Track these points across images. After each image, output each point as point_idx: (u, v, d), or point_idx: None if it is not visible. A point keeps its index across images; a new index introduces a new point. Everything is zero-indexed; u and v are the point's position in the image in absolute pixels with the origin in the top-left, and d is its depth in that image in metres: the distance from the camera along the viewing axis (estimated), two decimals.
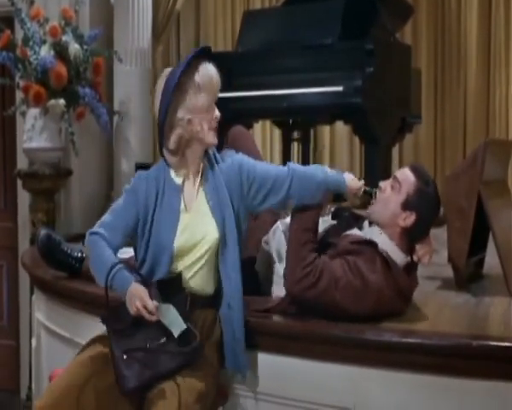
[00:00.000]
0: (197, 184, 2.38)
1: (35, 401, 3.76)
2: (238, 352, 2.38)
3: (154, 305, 2.15)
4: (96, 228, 2.35)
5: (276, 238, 2.73)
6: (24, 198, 4.82)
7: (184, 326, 2.18)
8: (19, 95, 4.48)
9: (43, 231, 3.12)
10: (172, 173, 2.38)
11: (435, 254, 2.77)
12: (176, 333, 2.17)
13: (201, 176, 2.38)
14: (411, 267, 2.57)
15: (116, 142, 4.96)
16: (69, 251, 3.09)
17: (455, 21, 6.66)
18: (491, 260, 3.38)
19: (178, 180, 2.38)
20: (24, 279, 4.68)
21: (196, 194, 2.37)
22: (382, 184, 2.58)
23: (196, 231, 2.33)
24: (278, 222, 2.78)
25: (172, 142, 2.32)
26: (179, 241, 2.31)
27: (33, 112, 4.29)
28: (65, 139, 4.46)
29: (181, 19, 6.11)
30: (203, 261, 2.35)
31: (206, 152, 2.41)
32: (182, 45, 6.22)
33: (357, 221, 2.68)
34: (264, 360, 2.49)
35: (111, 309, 2.26)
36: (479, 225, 3.12)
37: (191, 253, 2.34)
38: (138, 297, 2.16)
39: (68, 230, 4.71)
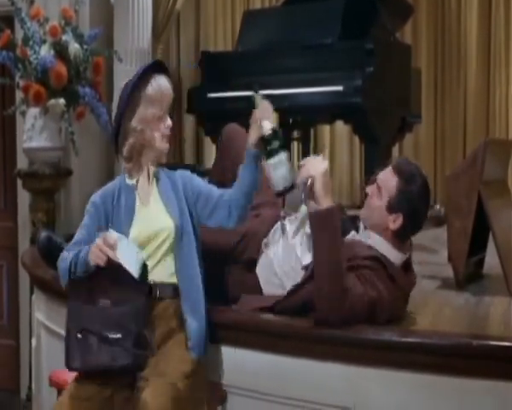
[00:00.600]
0: (151, 181, 2.49)
1: (35, 401, 3.76)
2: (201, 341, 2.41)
3: (114, 238, 2.26)
4: (66, 248, 2.49)
5: (276, 240, 2.73)
6: (24, 198, 4.81)
7: (139, 264, 2.27)
8: (19, 94, 4.47)
9: (43, 234, 3.15)
10: (127, 178, 2.51)
11: (435, 254, 2.77)
12: (132, 271, 2.25)
13: (154, 176, 2.50)
14: (409, 264, 2.56)
15: None
16: None
17: (455, 21, 6.67)
18: (491, 260, 3.38)
19: (132, 181, 2.50)
20: (24, 279, 4.68)
21: (150, 190, 2.48)
22: (368, 189, 2.56)
23: (152, 221, 2.42)
24: (278, 223, 2.78)
25: (126, 150, 2.47)
26: (134, 231, 2.40)
27: (33, 111, 4.28)
28: (65, 139, 4.45)
29: (181, 19, 6.10)
30: (163, 251, 2.41)
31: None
32: (182, 45, 6.21)
33: (354, 222, 2.67)
34: (264, 359, 2.49)
35: (73, 283, 2.35)
36: (479, 225, 3.12)
37: (150, 243, 2.40)
38: (99, 239, 2.27)
39: (68, 230, 4.70)
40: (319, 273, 2.31)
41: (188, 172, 2.57)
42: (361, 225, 2.62)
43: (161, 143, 2.47)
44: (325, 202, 2.30)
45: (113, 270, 2.25)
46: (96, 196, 2.51)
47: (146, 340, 2.29)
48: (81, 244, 2.40)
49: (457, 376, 2.21)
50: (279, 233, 2.75)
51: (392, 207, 2.46)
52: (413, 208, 2.47)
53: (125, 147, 2.46)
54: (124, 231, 2.38)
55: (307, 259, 2.55)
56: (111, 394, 2.31)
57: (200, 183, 2.54)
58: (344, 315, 2.31)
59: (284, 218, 2.79)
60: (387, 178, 2.49)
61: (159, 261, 2.40)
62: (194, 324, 2.38)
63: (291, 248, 2.65)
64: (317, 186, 2.31)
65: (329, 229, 2.32)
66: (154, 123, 2.44)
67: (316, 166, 2.34)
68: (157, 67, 2.49)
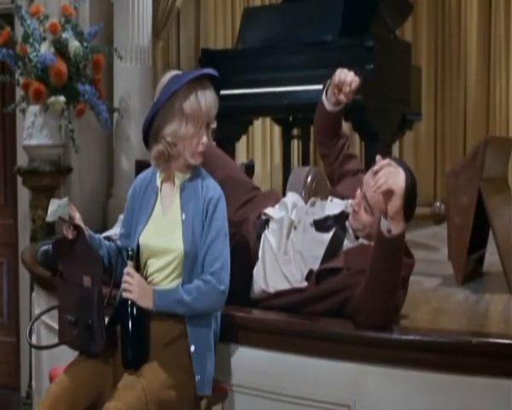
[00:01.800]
0: (175, 190, 2.37)
1: (35, 398, 3.77)
2: (204, 370, 2.31)
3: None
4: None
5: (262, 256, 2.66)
6: (24, 195, 4.81)
7: (53, 219, 2.30)
8: (19, 92, 4.48)
9: (40, 249, 3.20)
10: (158, 174, 2.42)
11: (435, 252, 2.77)
12: (47, 219, 2.31)
13: (181, 185, 2.37)
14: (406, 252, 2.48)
15: (116, 139, 4.96)
16: None
17: (455, 18, 6.67)
18: (491, 258, 3.38)
19: (158, 182, 2.40)
20: (24, 276, 4.68)
21: (173, 200, 2.37)
22: (354, 204, 2.46)
23: (165, 237, 2.32)
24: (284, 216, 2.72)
25: (154, 153, 2.34)
26: (147, 238, 2.33)
27: (33, 109, 4.29)
28: (65, 136, 4.45)
29: (181, 16, 6.10)
30: (171, 268, 2.32)
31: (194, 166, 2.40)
32: (182, 42, 6.20)
33: (340, 222, 2.56)
34: (264, 357, 2.49)
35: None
36: (479, 222, 3.12)
37: (161, 257, 2.32)
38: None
39: None
40: (377, 293, 2.26)
41: (220, 204, 2.34)
42: (349, 227, 2.55)
43: (192, 159, 2.33)
44: (399, 224, 2.14)
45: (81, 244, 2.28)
46: (133, 185, 2.47)
47: (95, 329, 2.24)
48: (122, 238, 2.43)
49: (457, 373, 2.22)
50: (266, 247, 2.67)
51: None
52: (407, 212, 2.44)
53: (153, 150, 2.33)
54: (137, 229, 2.35)
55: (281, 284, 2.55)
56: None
57: (213, 230, 2.31)
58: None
59: (266, 223, 2.72)
60: (378, 199, 2.25)
61: (169, 275, 2.32)
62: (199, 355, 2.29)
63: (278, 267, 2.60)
64: (395, 203, 2.11)
65: (399, 255, 2.22)
66: (186, 140, 2.29)
67: (397, 178, 2.13)
68: (206, 78, 2.32)
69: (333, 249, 2.52)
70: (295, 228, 2.63)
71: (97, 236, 2.42)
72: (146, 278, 2.32)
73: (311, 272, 2.50)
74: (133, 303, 2.22)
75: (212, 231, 2.31)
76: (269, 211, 2.76)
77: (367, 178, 2.39)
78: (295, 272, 2.55)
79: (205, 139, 2.33)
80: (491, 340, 2.25)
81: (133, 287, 2.22)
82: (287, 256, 2.59)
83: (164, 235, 2.32)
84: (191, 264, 2.30)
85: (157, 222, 2.35)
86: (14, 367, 5.21)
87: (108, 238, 2.55)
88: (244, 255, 2.65)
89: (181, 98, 2.26)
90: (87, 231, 2.32)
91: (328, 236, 2.54)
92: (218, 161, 2.95)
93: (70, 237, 2.30)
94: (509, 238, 3.19)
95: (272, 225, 2.70)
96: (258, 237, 2.69)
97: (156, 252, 2.32)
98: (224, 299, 2.32)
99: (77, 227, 2.29)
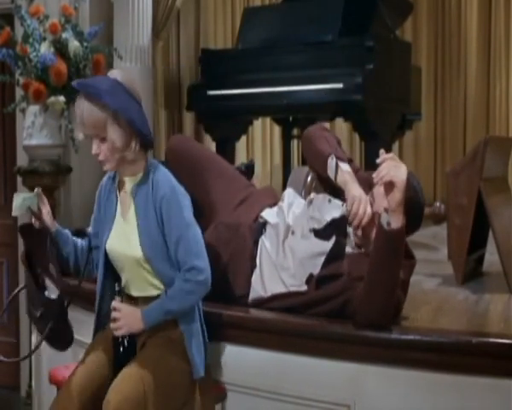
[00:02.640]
0: (128, 196, 2.36)
1: (35, 398, 3.76)
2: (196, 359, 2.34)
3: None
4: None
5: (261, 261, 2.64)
6: None
7: (20, 212, 2.37)
8: (19, 92, 4.47)
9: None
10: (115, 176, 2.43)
11: (435, 252, 2.77)
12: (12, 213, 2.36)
13: (132, 191, 2.34)
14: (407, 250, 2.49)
15: None
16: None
17: (455, 18, 6.67)
18: (491, 257, 3.38)
19: (115, 184, 2.41)
20: (24, 276, 4.67)
21: (129, 204, 2.36)
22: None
23: (124, 242, 2.33)
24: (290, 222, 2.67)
25: None
26: (110, 244, 2.36)
27: (33, 109, 4.28)
28: (65, 136, 4.45)
29: (181, 16, 6.09)
30: (135, 269, 2.32)
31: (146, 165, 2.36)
32: (182, 42, 6.20)
33: (341, 228, 2.55)
34: (264, 357, 2.49)
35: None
36: (479, 222, 3.12)
37: (124, 259, 2.34)
38: None
39: (68, 226, 4.68)
40: (376, 289, 2.26)
41: (174, 198, 2.28)
42: (350, 233, 2.53)
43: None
44: (400, 218, 2.14)
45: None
46: (99, 187, 2.49)
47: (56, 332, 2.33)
48: (92, 238, 2.48)
49: (457, 373, 2.22)
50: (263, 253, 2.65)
51: None
52: (414, 224, 2.44)
53: None
54: (104, 236, 2.37)
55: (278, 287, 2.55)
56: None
57: (174, 229, 2.27)
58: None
59: (263, 227, 2.70)
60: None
61: (145, 288, 2.34)
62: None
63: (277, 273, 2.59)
64: (396, 196, 2.11)
65: (399, 250, 2.22)
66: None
67: (399, 170, 2.13)
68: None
69: (334, 257, 2.50)
70: (293, 233, 2.60)
71: (66, 231, 2.47)
72: (130, 296, 2.36)
73: (311, 276, 2.50)
74: (124, 337, 2.28)
75: (173, 230, 2.28)
76: (265, 214, 2.72)
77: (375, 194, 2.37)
78: (294, 279, 2.53)
79: (93, 151, 2.29)
80: (491, 340, 2.25)
81: (121, 322, 2.26)
82: (285, 263, 2.57)
83: (124, 241, 2.33)
84: (159, 265, 2.29)
85: (118, 227, 2.37)
86: (14, 367, 5.20)
87: (84, 234, 2.56)
88: (241, 263, 2.64)
89: None
90: (54, 227, 2.39)
91: (328, 244, 2.51)
92: (210, 161, 2.93)
93: (36, 226, 2.36)
94: (508, 238, 3.19)
95: (269, 229, 2.67)
96: (256, 243, 2.66)
97: (121, 258, 2.33)
98: (207, 284, 2.29)
99: (42, 221, 2.34)
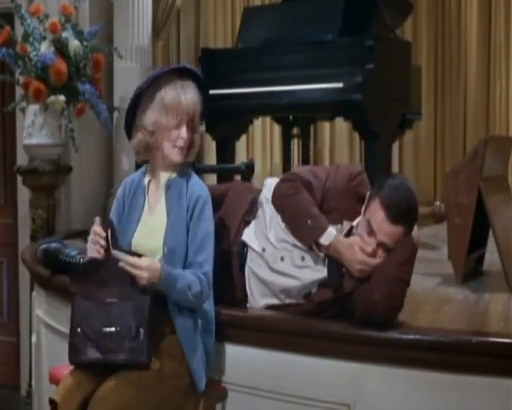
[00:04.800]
0: (160, 189, 2.38)
1: (35, 398, 3.76)
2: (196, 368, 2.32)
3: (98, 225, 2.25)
4: None
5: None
6: (24, 194, 4.81)
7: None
8: (19, 91, 4.48)
9: (40, 247, 3.22)
10: (145, 175, 2.43)
11: (435, 252, 2.77)
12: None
13: (166, 184, 2.37)
14: None
15: (116, 138, 4.95)
16: (68, 259, 3.07)
17: (455, 18, 6.67)
18: (491, 257, 3.38)
19: (146, 181, 2.42)
20: (24, 276, 4.67)
21: (159, 199, 2.37)
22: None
23: (153, 237, 2.32)
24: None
25: (134, 143, 2.37)
26: (137, 238, 2.35)
27: (33, 108, 4.28)
28: (65, 136, 4.45)
29: (181, 15, 6.10)
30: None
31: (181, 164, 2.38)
32: (182, 42, 6.21)
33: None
34: (264, 356, 2.49)
35: (76, 277, 2.34)
36: (479, 222, 3.13)
37: (149, 254, 2.29)
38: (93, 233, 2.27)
39: (68, 226, 4.71)
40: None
41: (208, 205, 2.35)
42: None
43: (170, 153, 2.33)
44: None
45: (113, 264, 2.22)
46: (121, 187, 2.47)
47: (144, 338, 2.21)
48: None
49: (457, 372, 2.22)
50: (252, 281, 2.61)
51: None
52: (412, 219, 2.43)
53: (133, 140, 2.37)
54: (130, 231, 2.36)
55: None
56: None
57: (202, 230, 2.31)
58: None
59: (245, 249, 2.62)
60: (394, 234, 2.32)
61: None
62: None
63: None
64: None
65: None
66: (166, 131, 2.30)
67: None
68: (189, 76, 2.34)
69: (332, 282, 2.47)
70: (282, 259, 2.53)
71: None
72: None
73: (309, 293, 2.50)
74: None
75: (201, 230, 2.31)
76: (246, 237, 2.62)
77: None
78: (290, 299, 2.53)
79: (185, 135, 2.32)
80: (491, 339, 2.25)
81: (143, 272, 2.18)
82: (279, 286, 2.53)
83: (151, 235, 2.33)
84: (177, 262, 2.30)
85: (145, 222, 2.37)
86: (14, 367, 5.21)
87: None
88: (231, 295, 2.61)
89: (162, 88, 2.30)
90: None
91: (324, 270, 2.47)
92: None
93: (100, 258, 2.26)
94: (508, 238, 3.19)
95: (254, 255, 2.58)
96: (241, 269, 2.61)
97: (147, 252, 2.31)
98: (205, 297, 2.33)
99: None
